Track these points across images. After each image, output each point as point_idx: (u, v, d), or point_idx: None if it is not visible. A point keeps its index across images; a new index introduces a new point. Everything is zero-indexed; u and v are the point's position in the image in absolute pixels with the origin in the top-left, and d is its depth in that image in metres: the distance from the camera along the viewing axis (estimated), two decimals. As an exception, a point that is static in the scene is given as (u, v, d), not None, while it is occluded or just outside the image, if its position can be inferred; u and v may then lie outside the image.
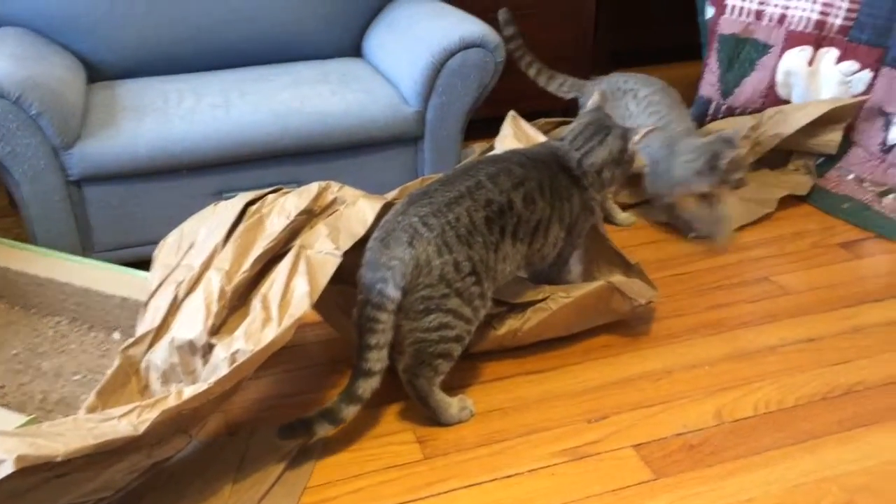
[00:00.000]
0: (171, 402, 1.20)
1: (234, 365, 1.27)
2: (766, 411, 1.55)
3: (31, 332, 1.75)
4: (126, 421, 1.16)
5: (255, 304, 1.41)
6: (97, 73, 2.24)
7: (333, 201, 1.57)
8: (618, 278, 1.75)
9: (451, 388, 1.58)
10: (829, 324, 1.82)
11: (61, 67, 2.06)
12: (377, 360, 1.42)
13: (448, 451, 1.49)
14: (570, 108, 2.92)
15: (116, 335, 1.72)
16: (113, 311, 1.71)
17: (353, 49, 2.49)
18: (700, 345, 1.75)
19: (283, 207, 1.54)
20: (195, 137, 1.97)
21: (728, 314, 1.86)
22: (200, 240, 1.55)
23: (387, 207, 1.55)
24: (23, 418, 1.30)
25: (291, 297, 1.39)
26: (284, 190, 1.62)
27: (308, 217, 1.54)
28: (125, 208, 1.99)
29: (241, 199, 1.59)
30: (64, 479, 1.11)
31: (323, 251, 1.45)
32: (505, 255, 1.53)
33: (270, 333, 1.32)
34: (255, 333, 1.34)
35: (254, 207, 1.57)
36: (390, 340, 1.43)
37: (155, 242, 2.03)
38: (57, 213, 1.92)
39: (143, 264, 2.00)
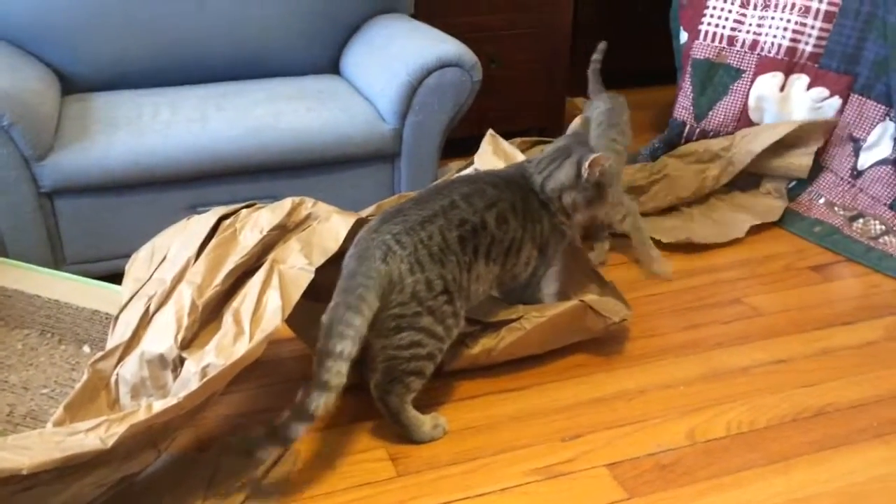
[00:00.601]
0: (141, 416, 1.18)
1: (205, 379, 1.26)
2: (738, 432, 1.56)
3: (0, 344, 1.72)
4: (94, 435, 1.14)
5: (227, 318, 1.40)
6: (72, 85, 2.22)
7: (307, 217, 1.57)
8: (591, 297, 1.76)
9: (425, 405, 1.58)
10: (800, 345, 1.84)
11: (35, 79, 2.04)
12: (337, 372, 1.32)
13: (421, 469, 1.48)
14: (546, 130, 2.96)
15: (86, 348, 1.69)
16: (83, 325, 1.69)
17: (331, 66, 2.49)
18: (674, 365, 1.76)
19: (257, 222, 1.53)
20: (169, 151, 1.95)
21: (702, 335, 1.88)
22: (172, 254, 1.54)
23: (360, 224, 1.55)
24: (-13, 433, 1.27)
25: (264, 311, 1.38)
26: (258, 205, 1.62)
27: (281, 232, 1.53)
28: (97, 221, 1.97)
29: (214, 213, 1.58)
30: (31, 493, 1.09)
31: (296, 266, 1.45)
32: (478, 275, 1.53)
33: (242, 348, 1.31)
34: (227, 348, 1.32)
35: (227, 222, 1.56)
36: (353, 355, 1.34)
37: (127, 256, 2.01)
38: (28, 225, 1.89)
39: (116, 278, 1.98)
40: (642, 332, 1.87)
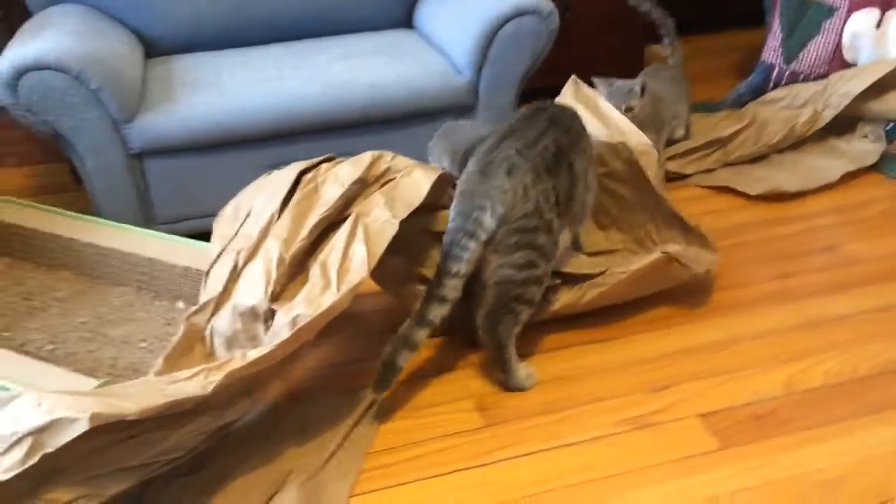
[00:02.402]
0: (237, 364, 1.21)
1: (295, 329, 1.28)
2: (836, 381, 1.51)
3: (99, 301, 1.79)
4: (195, 381, 1.18)
5: (314, 270, 1.41)
6: (154, 48, 2.26)
7: (386, 170, 1.57)
8: (675, 248, 1.70)
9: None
10: (901, 293, 1.75)
11: (120, 43, 2.09)
12: (453, 287, 1.43)
13: (508, 419, 1.48)
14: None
15: (181, 304, 1.75)
16: (176, 281, 1.74)
17: (405, 20, 2.46)
18: (766, 314, 1.71)
19: (337, 176, 1.54)
20: (248, 111, 1.98)
21: (794, 284, 1.81)
22: (256, 210, 1.56)
23: (442, 180, 1.54)
24: (95, 382, 1.33)
25: (350, 263, 1.39)
26: (337, 160, 1.62)
27: (362, 186, 1.54)
28: (184, 181, 2.01)
29: (294, 168, 1.59)
30: (137, 440, 1.14)
31: (380, 219, 1.45)
32: (571, 192, 1.56)
33: (330, 298, 1.33)
34: (315, 299, 1.34)
35: (308, 176, 1.56)
36: (468, 274, 1.44)
37: (213, 214, 2.05)
38: (119, 186, 1.96)
39: (203, 235, 2.02)
40: (731, 283, 1.82)
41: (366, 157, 1.58)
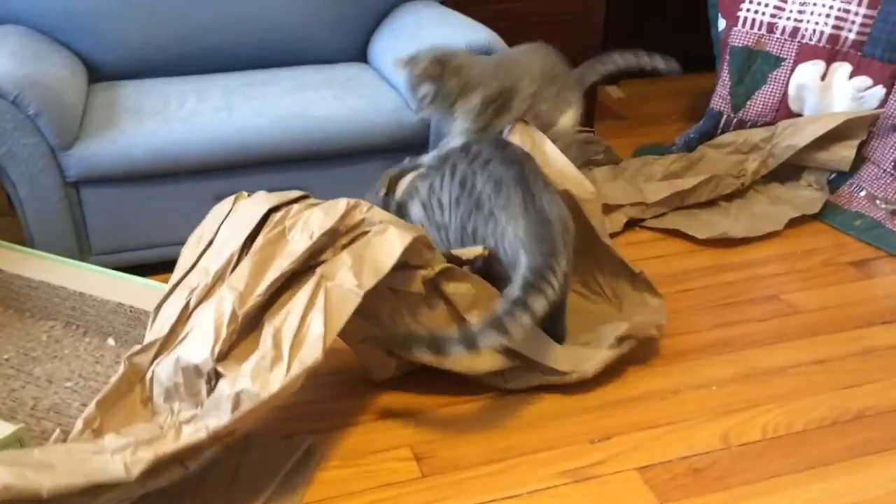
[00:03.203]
0: (169, 444, 1.16)
1: (238, 412, 1.23)
2: (774, 436, 1.51)
3: (25, 335, 1.71)
4: (119, 458, 1.12)
5: (267, 336, 1.33)
6: (99, 73, 2.22)
7: (360, 222, 1.46)
8: (623, 327, 1.66)
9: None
10: (839, 345, 1.77)
11: (61, 67, 2.03)
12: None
13: (446, 470, 1.45)
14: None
15: (111, 341, 1.69)
16: (107, 317, 1.68)
17: (359, 54, 2.46)
18: (708, 364, 1.71)
19: (307, 224, 1.43)
20: (196, 141, 1.94)
21: (737, 333, 1.82)
22: (218, 242, 1.47)
23: (417, 242, 1.46)
24: (10, 427, 1.26)
25: (305, 335, 1.31)
26: (310, 201, 1.53)
27: (332, 237, 1.43)
28: (123, 211, 1.96)
29: (264, 202, 1.49)
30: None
31: (344, 286, 1.36)
32: None
33: (279, 376, 1.26)
34: (263, 373, 1.27)
35: (277, 216, 1.46)
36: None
37: (152, 246, 2.02)
38: (54, 215, 1.89)
39: (141, 268, 1.98)
40: (674, 330, 1.82)
41: (340, 204, 1.47)
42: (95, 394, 1.52)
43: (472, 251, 1.56)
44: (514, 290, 1.43)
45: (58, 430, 1.29)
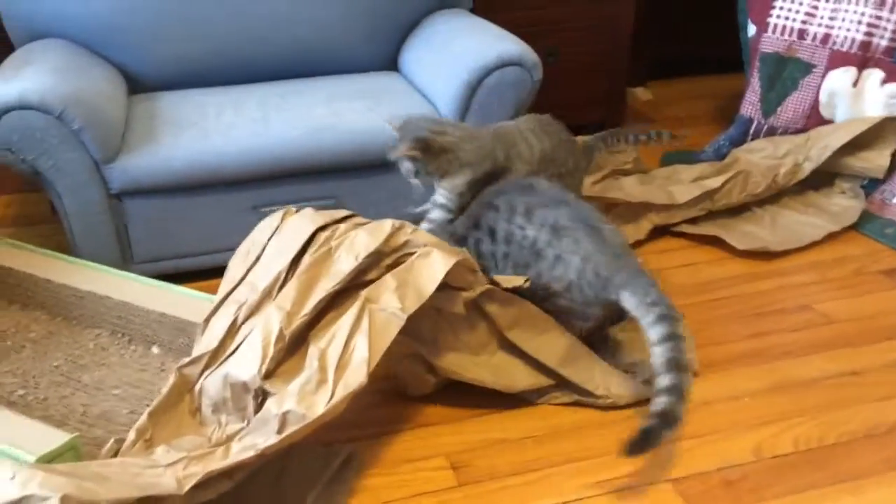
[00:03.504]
0: (218, 461, 1.21)
1: (284, 433, 1.27)
2: (806, 448, 1.53)
3: (73, 343, 1.77)
4: (171, 473, 1.17)
5: (312, 359, 1.37)
6: (137, 84, 2.27)
7: (405, 243, 1.49)
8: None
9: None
10: (872, 356, 1.78)
11: (103, 81, 2.08)
12: None
13: (481, 479, 1.48)
14: (606, 123, 2.91)
15: (155, 349, 1.74)
16: (152, 326, 1.73)
17: (390, 63, 2.49)
18: (740, 375, 1.73)
19: (353, 245, 1.47)
20: (233, 153, 1.98)
21: (768, 343, 1.83)
22: (266, 257, 1.51)
23: (460, 265, 1.49)
24: (65, 436, 1.31)
25: (350, 358, 1.35)
26: (356, 220, 1.56)
27: (376, 258, 1.47)
28: (164, 221, 2.01)
29: (311, 221, 1.52)
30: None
31: (388, 309, 1.40)
32: None
33: (323, 399, 1.30)
34: (308, 395, 1.31)
35: (323, 235, 1.50)
36: None
37: (192, 255, 2.07)
38: (98, 226, 1.95)
39: (181, 276, 2.03)
40: (707, 340, 1.83)
41: (386, 225, 1.50)
42: (142, 401, 1.59)
43: (512, 280, 1.59)
44: (659, 330, 1.46)
45: (112, 441, 1.34)
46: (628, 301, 1.51)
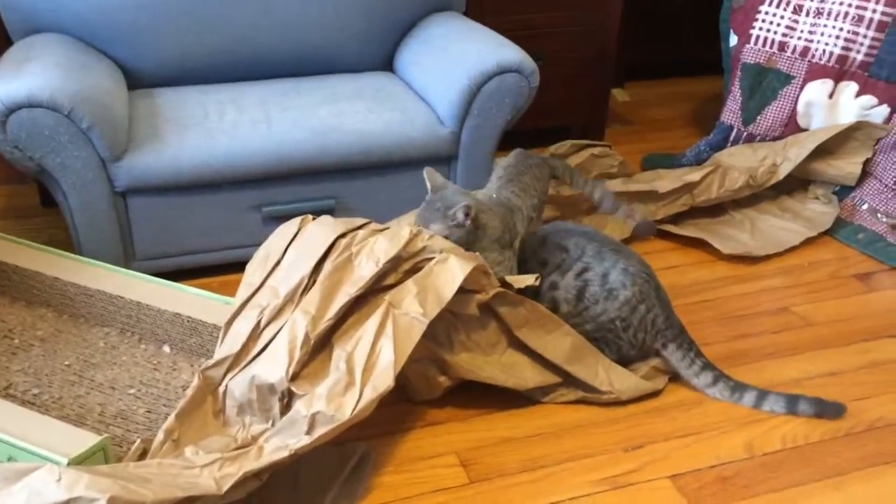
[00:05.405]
0: (252, 461, 1.26)
1: (315, 434, 1.32)
2: (793, 445, 1.63)
3: (82, 342, 1.79)
4: (208, 473, 1.22)
5: (339, 361, 1.42)
6: (136, 80, 2.27)
7: (422, 249, 1.55)
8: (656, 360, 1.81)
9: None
10: (849, 358, 1.89)
11: (107, 77, 2.08)
12: None
13: (491, 477, 1.55)
14: (589, 125, 3.00)
15: (166, 348, 1.77)
16: (163, 325, 1.75)
17: (385, 63, 2.52)
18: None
19: (373, 251, 1.52)
20: (237, 154, 2.01)
21: (751, 345, 1.94)
22: (287, 263, 1.56)
23: (477, 270, 1.55)
24: (95, 437, 1.34)
25: (376, 361, 1.40)
26: (373, 226, 1.61)
27: (395, 263, 1.53)
28: (166, 219, 2.03)
29: (332, 229, 1.57)
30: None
31: (410, 313, 1.45)
32: None
33: (351, 401, 1.35)
34: (337, 397, 1.36)
35: (343, 241, 1.55)
36: None
37: (194, 252, 2.10)
38: (102, 223, 1.96)
39: (183, 274, 2.06)
40: (695, 340, 1.93)
41: (404, 232, 1.56)
42: (158, 400, 1.62)
43: (523, 280, 1.66)
44: (707, 375, 1.75)
45: (139, 440, 1.37)
46: (673, 354, 1.76)
